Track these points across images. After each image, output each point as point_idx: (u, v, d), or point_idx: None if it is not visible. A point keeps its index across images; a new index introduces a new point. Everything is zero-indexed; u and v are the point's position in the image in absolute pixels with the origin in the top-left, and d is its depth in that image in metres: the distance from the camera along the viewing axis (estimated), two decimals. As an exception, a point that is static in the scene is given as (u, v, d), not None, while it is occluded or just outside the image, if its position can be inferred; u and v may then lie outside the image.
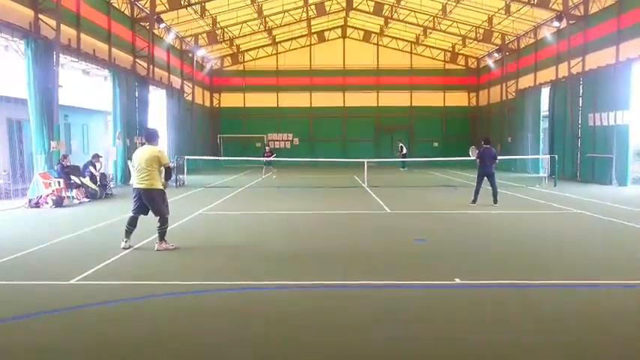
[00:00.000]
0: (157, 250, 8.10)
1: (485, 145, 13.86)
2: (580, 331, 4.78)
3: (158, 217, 8.17)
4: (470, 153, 14.90)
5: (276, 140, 39.26)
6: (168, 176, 8.35)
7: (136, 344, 4.49)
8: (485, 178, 13.71)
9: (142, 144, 8.53)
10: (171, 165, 8.46)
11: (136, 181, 8.21)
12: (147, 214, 8.30)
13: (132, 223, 8.28)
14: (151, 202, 8.12)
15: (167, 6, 24.64)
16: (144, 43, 24.30)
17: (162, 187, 8.23)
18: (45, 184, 14.23)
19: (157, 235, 8.28)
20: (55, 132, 15.72)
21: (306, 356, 4.29)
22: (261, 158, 25.48)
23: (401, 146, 32.37)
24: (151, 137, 8.46)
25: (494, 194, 13.66)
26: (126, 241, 8.23)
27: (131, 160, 8.78)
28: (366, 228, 10.65)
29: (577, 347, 4.42)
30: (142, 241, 8.72)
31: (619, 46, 20.22)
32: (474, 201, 13.74)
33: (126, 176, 20.74)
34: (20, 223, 11.17)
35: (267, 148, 26.49)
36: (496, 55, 33.51)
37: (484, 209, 13.06)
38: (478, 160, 13.82)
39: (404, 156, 31.92)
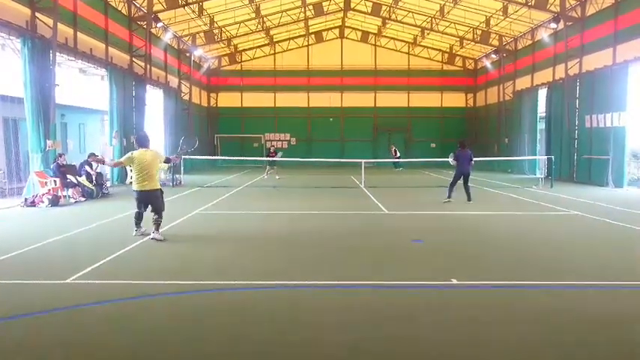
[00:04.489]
0: (153, 238, 8.75)
1: (461, 148, 14.57)
2: (575, 332, 4.78)
3: (154, 213, 8.95)
4: (450, 160, 15.28)
5: (274, 140, 39.23)
6: (168, 161, 9.84)
7: (132, 344, 4.47)
8: (462, 177, 14.46)
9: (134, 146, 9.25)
10: (170, 157, 10.30)
11: (139, 183, 8.82)
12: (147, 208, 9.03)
13: (138, 217, 9.07)
14: (154, 200, 8.89)
15: (164, 5, 24.59)
16: (141, 43, 24.25)
17: (159, 187, 9.08)
18: (41, 183, 14.19)
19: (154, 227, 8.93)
20: (52, 131, 15.66)
21: (303, 355, 4.28)
22: (265, 158, 25.43)
23: (394, 150, 32.62)
24: (144, 141, 9.14)
25: (467, 193, 14.42)
26: (137, 230, 9.03)
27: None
28: (363, 228, 10.65)
29: (573, 348, 4.43)
30: (137, 241, 8.70)
31: (616, 47, 20.29)
32: (449, 196, 14.43)
33: (122, 176, 20.69)
34: (16, 222, 11.12)
35: (271, 148, 26.45)
36: (493, 56, 33.57)
37: (480, 210, 13.09)
38: (455, 161, 14.62)
39: (398, 158, 32.12)
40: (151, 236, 8.77)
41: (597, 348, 4.43)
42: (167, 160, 9.74)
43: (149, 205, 9.00)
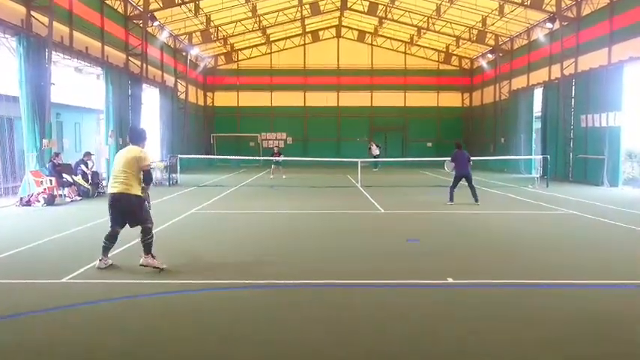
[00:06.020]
0: (142, 264, 6.78)
1: (457, 149, 14.29)
2: (573, 331, 4.80)
3: (141, 228, 6.93)
4: (445, 167, 15.16)
5: (270, 140, 39.22)
6: (147, 180, 7.08)
7: (129, 343, 4.47)
8: (464, 179, 14.02)
9: (128, 143, 7.37)
10: (151, 166, 7.21)
11: (110, 185, 6.98)
12: (124, 226, 7.05)
13: (110, 239, 6.96)
14: (128, 209, 6.86)
15: (160, 4, 24.52)
16: (137, 41, 24.16)
17: (140, 194, 6.89)
18: (36, 183, 14.14)
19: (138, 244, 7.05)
20: (47, 130, 15.59)
21: (302, 355, 4.29)
22: (270, 158, 25.70)
23: (371, 147, 32.52)
24: (134, 137, 7.20)
25: (474, 194, 13.90)
26: (101, 260, 6.87)
27: None
28: (359, 228, 10.66)
29: (570, 347, 4.45)
30: (132, 240, 8.66)
31: (611, 47, 20.37)
32: (451, 199, 14.02)
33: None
34: (11, 222, 11.08)
35: (275, 148, 26.73)
36: (489, 55, 33.65)
37: (476, 210, 13.12)
38: (453, 163, 14.27)
39: (377, 156, 31.93)
40: (140, 261, 6.81)
41: (596, 347, 4.45)
42: (146, 173, 7.02)
43: (126, 221, 6.95)
